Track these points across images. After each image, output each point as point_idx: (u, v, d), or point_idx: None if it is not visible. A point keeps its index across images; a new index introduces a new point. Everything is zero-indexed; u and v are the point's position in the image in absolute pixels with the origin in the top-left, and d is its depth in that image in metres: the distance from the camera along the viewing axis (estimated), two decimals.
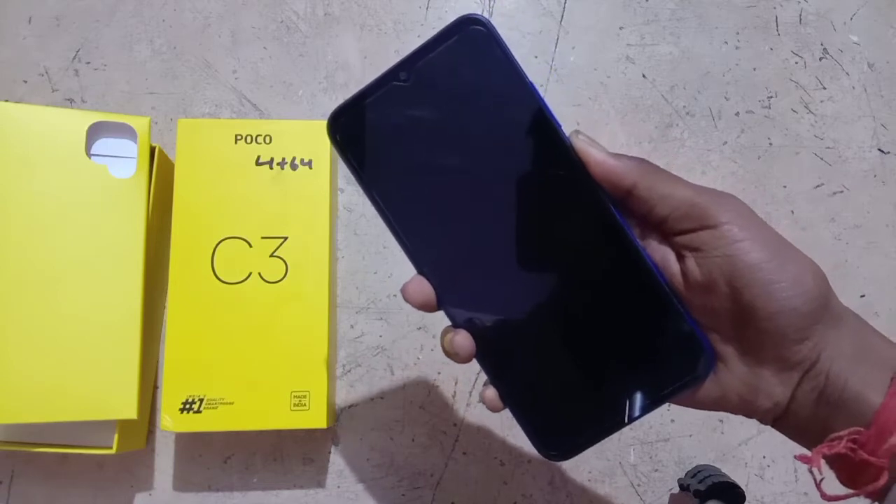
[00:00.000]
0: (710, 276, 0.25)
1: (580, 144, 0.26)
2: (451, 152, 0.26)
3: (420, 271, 0.27)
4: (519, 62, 0.25)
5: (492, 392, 0.27)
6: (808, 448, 0.25)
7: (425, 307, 0.27)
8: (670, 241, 0.26)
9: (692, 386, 0.26)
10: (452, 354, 0.27)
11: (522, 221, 0.26)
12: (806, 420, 0.25)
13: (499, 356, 0.27)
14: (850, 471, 0.23)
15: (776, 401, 0.25)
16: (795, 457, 0.24)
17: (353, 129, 0.26)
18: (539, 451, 0.27)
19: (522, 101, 0.25)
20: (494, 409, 0.27)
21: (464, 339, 0.26)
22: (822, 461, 0.23)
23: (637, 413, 0.26)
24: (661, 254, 0.26)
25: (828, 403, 0.24)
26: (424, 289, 0.26)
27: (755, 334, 0.25)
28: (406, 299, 0.27)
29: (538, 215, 0.26)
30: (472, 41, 0.25)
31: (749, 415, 0.26)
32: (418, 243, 0.26)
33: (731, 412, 0.26)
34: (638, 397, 0.26)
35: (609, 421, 0.26)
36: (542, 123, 0.26)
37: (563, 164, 0.26)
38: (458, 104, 0.25)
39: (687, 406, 0.27)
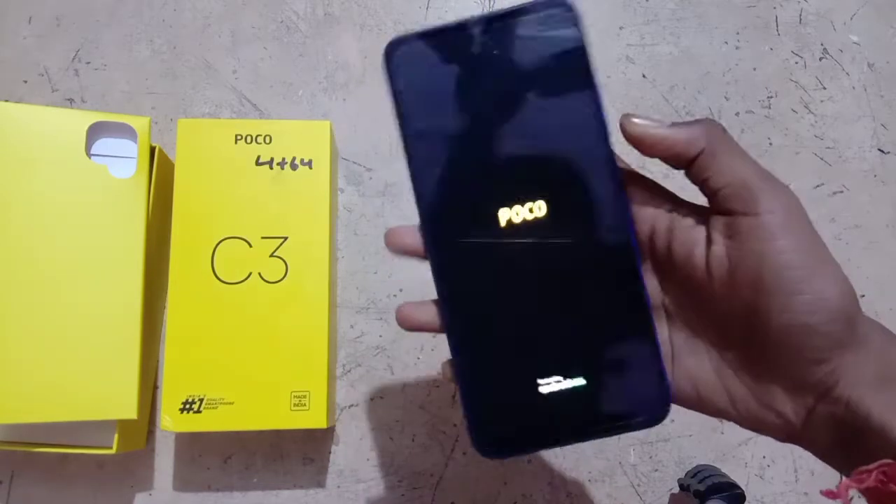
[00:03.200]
0: (735, 272, 0.23)
1: (637, 129, 0.24)
2: (494, 118, 0.25)
3: (421, 221, 0.26)
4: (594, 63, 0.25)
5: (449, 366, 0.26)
6: (834, 467, 0.24)
7: (406, 251, 0.26)
8: (710, 220, 0.25)
9: (643, 428, 0.25)
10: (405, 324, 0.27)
11: (535, 209, 0.25)
12: (827, 446, 0.24)
13: (466, 331, 0.26)
14: (881, 502, 0.22)
15: (787, 420, 0.24)
16: (822, 492, 0.22)
17: (410, 61, 0.25)
18: (472, 441, 0.26)
19: (582, 98, 0.25)
20: (449, 381, 0.27)
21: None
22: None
23: (582, 436, 0.26)
24: (692, 235, 0.25)
25: (850, 432, 0.23)
26: (414, 236, 0.26)
27: (767, 345, 0.23)
28: (389, 239, 0.26)
29: (553, 209, 0.25)
30: (555, 21, 0.25)
31: (758, 430, 0.25)
32: (430, 192, 0.26)
33: (740, 425, 0.25)
34: (589, 420, 0.25)
35: (553, 435, 0.26)
36: (593, 126, 0.25)
37: (598, 172, 0.25)
38: (521, 76, 0.25)
39: (696, 410, 0.26)
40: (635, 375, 0.25)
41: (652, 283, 0.27)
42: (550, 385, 0.25)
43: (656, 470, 0.45)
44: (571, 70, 0.25)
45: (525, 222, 0.25)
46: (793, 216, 0.23)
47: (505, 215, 0.25)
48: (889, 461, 0.21)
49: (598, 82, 0.25)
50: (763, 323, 0.23)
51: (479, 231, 0.25)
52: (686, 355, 0.26)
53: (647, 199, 0.26)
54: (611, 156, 0.25)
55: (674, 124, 0.24)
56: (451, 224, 0.26)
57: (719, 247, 0.24)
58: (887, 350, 0.23)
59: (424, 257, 0.26)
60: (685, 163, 0.24)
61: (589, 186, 0.25)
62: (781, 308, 0.22)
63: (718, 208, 0.24)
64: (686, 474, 0.44)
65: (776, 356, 0.23)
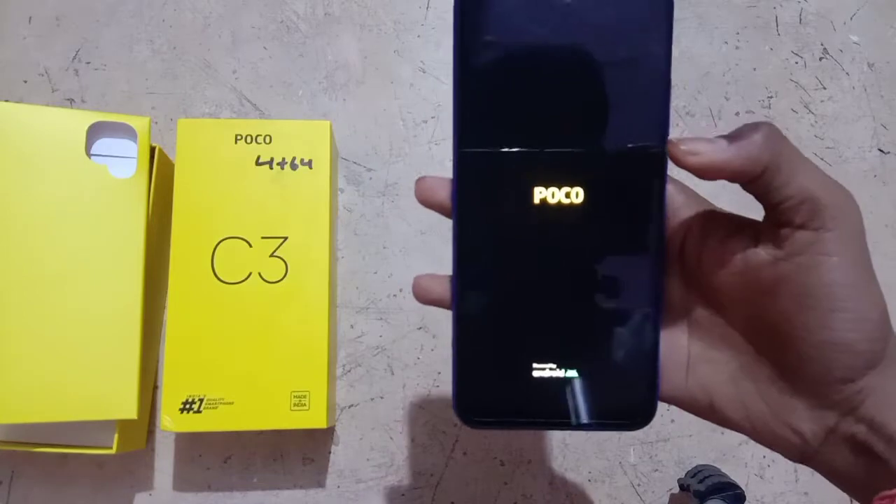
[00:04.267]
0: (780, 283, 0.22)
1: (698, 160, 0.22)
2: (554, 87, 0.24)
3: (455, 175, 0.25)
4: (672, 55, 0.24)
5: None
6: (846, 491, 0.24)
7: (434, 204, 0.26)
8: (760, 230, 0.23)
9: (624, 430, 0.26)
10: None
11: (572, 195, 0.25)
12: (844, 468, 0.23)
13: (474, 298, 0.26)
14: None
15: (805, 438, 0.23)
16: None
17: (483, 6, 0.24)
18: (455, 405, 0.26)
19: (650, 87, 0.24)
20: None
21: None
22: None
23: (562, 426, 0.26)
24: (728, 244, 0.24)
25: (871, 454, 0.22)
26: (445, 190, 0.26)
27: (797, 360, 0.23)
28: (421, 187, 0.26)
29: (590, 199, 0.25)
30: (646, 2, 0.24)
31: (772, 447, 0.24)
32: (472, 147, 0.25)
33: (754, 439, 0.25)
34: (571, 413, 0.25)
35: (533, 418, 0.26)
36: (653, 121, 0.24)
37: (647, 170, 0.24)
38: (597, 49, 0.24)
39: (709, 421, 0.26)
40: (628, 381, 0.25)
41: (677, 290, 0.26)
42: (544, 371, 0.25)
43: (656, 470, 0.45)
44: (645, 54, 0.24)
45: (559, 205, 0.25)
46: (851, 233, 0.22)
47: (540, 193, 0.25)
48: None
49: (670, 73, 0.24)
50: (799, 337, 0.22)
51: (511, 201, 0.25)
52: (703, 364, 0.25)
53: (682, 206, 0.25)
54: (664, 156, 0.24)
55: (731, 140, 0.22)
56: (484, 186, 0.25)
57: (767, 257, 0.23)
58: None
59: (449, 215, 0.26)
60: (746, 181, 0.22)
61: (634, 184, 0.25)
62: (822, 324, 0.22)
63: (776, 220, 0.23)
64: (686, 474, 0.44)
65: (804, 371, 0.23)
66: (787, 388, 0.23)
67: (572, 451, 0.45)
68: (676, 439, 0.45)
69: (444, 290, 0.26)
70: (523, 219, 0.25)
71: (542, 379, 0.25)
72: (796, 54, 0.51)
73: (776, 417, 0.24)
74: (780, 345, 0.23)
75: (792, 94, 0.50)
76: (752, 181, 0.22)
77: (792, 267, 0.22)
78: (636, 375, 0.25)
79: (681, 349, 0.26)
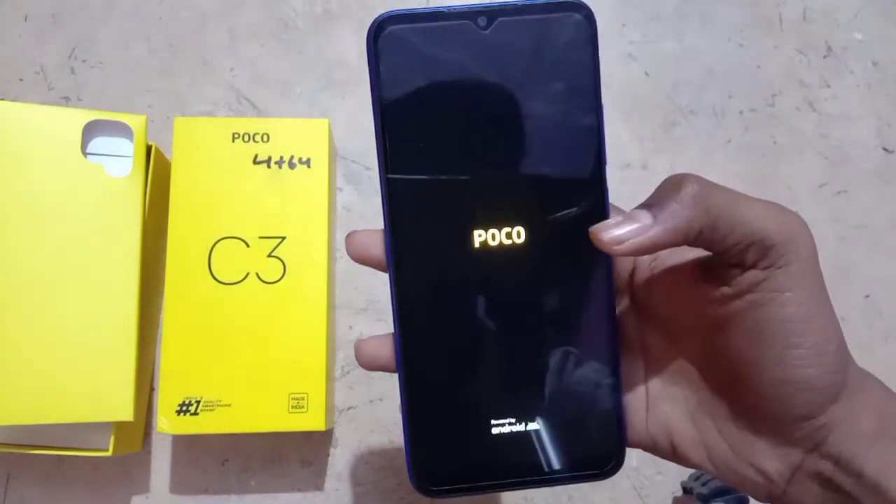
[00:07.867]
0: (730, 320, 0.21)
1: (623, 248, 0.21)
2: (482, 126, 0.23)
3: (386, 226, 0.24)
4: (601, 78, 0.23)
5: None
6: None
7: (368, 260, 0.24)
8: (706, 267, 0.22)
9: (593, 480, 0.24)
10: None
11: (512, 235, 0.23)
12: None
13: (420, 358, 0.24)
14: None
15: (771, 478, 0.22)
16: None
17: (399, 43, 0.23)
18: (410, 476, 0.24)
19: (582, 121, 0.23)
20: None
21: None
22: None
23: (528, 483, 0.24)
24: (679, 276, 0.23)
25: (840, 492, 0.21)
26: (378, 245, 0.24)
27: (755, 397, 0.22)
28: (351, 243, 0.24)
29: (531, 239, 0.23)
30: (567, 27, 0.22)
31: (738, 487, 0.23)
32: (401, 193, 0.24)
33: (719, 478, 0.24)
34: (537, 468, 0.24)
35: (498, 479, 0.24)
36: (589, 153, 0.23)
37: (586, 204, 0.23)
38: (520, 81, 0.23)
39: (672, 461, 0.25)
40: (593, 426, 0.24)
41: (631, 322, 0.25)
42: (504, 427, 0.24)
43: (659, 473, 0.44)
44: (575, 87, 0.23)
45: (501, 247, 0.23)
46: (804, 265, 0.21)
47: (479, 237, 0.23)
48: None
49: (602, 106, 0.23)
50: (754, 375, 0.21)
51: (448, 250, 0.23)
52: (663, 402, 0.25)
53: None
54: (603, 188, 0.23)
55: (654, 212, 0.21)
56: (418, 234, 0.24)
57: (716, 294, 0.22)
58: (884, 403, 0.22)
59: (385, 270, 0.24)
60: (684, 244, 0.21)
61: (575, 220, 0.23)
62: (777, 361, 0.21)
63: (724, 262, 0.21)
64: (689, 477, 0.43)
65: (763, 409, 0.22)
66: (748, 425, 0.22)
67: None
68: None
69: (393, 352, 0.24)
70: (463, 264, 0.23)
71: (502, 436, 0.24)
72: (800, 52, 0.50)
73: (738, 457, 0.23)
74: (737, 382, 0.22)
75: (796, 92, 0.50)
76: (692, 243, 0.21)
77: (743, 304, 0.21)
78: (601, 419, 0.24)
79: (639, 388, 0.25)
